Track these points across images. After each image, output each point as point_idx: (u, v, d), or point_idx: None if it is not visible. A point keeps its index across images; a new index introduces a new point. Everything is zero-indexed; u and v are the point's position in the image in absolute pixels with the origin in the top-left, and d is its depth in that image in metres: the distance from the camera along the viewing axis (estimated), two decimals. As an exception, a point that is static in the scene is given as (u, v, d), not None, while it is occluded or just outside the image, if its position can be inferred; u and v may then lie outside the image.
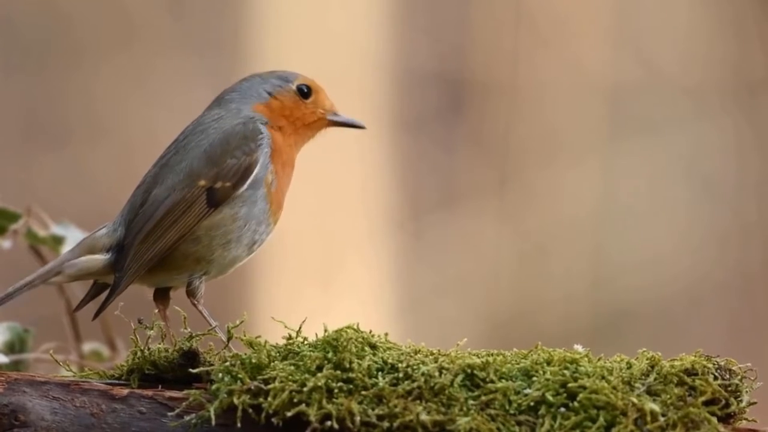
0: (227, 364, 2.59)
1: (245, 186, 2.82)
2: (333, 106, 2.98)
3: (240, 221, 2.82)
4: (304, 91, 2.95)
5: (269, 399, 2.55)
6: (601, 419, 2.54)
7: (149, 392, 2.63)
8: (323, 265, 6.33)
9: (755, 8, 6.65)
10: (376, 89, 6.46)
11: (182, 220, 2.78)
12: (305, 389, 2.55)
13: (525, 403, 2.57)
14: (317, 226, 6.28)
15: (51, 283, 2.83)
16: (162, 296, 2.88)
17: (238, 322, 2.67)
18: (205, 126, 2.88)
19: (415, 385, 2.57)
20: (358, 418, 2.54)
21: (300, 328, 2.65)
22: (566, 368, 2.59)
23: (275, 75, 2.96)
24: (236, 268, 2.90)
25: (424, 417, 2.54)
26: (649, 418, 2.54)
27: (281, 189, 2.87)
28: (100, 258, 2.82)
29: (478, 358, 2.61)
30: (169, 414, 2.61)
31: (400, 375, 2.58)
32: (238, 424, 2.56)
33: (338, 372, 2.57)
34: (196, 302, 2.83)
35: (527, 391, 2.57)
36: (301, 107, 2.93)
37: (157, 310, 2.84)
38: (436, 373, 2.57)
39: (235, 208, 2.81)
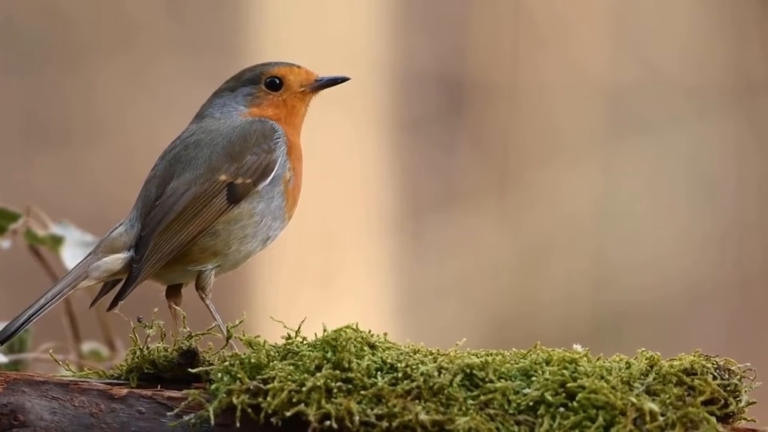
0: (226, 363, 2.59)
1: (266, 182, 2.83)
2: (310, 74, 2.96)
3: (257, 216, 2.83)
4: (276, 83, 2.94)
5: (268, 399, 2.56)
6: (600, 419, 2.54)
7: (148, 392, 2.63)
8: (323, 265, 6.33)
9: (755, 8, 6.65)
10: (376, 90, 6.46)
11: (203, 214, 2.79)
12: (304, 389, 2.55)
13: (524, 402, 2.57)
14: (317, 226, 6.28)
15: (79, 288, 2.83)
16: (174, 293, 2.89)
17: (237, 322, 2.68)
18: (213, 125, 2.89)
19: (414, 384, 2.57)
20: (357, 418, 2.54)
21: (299, 327, 2.65)
22: (565, 368, 2.59)
23: (241, 82, 2.95)
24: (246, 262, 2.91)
25: (423, 417, 2.54)
26: (648, 418, 2.54)
27: (297, 185, 2.89)
28: (123, 256, 2.83)
29: (477, 357, 2.61)
30: (169, 414, 2.61)
31: (399, 375, 2.58)
32: (237, 424, 2.56)
33: (337, 372, 2.57)
34: (204, 296, 2.84)
35: (526, 390, 2.57)
36: (278, 100, 2.94)
37: (159, 309, 2.84)
38: (435, 373, 2.57)
39: (252, 203, 2.83)
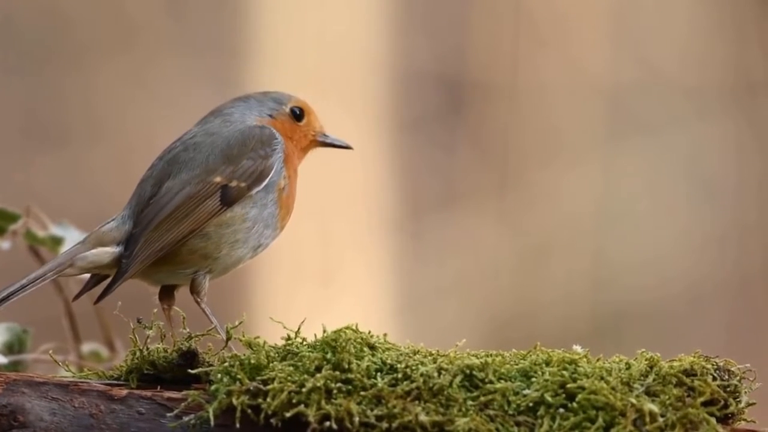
0: (226, 364, 2.59)
1: (260, 188, 2.85)
2: (322, 128, 3.05)
3: (249, 222, 2.85)
4: (297, 114, 3.02)
5: (268, 400, 2.56)
6: (600, 420, 2.54)
7: (148, 393, 2.63)
8: (323, 266, 6.33)
9: (755, 8, 6.65)
10: (376, 90, 6.46)
11: (195, 214, 2.81)
12: (304, 390, 2.55)
13: (524, 403, 2.57)
14: (317, 226, 6.28)
15: (63, 275, 2.85)
16: (167, 296, 2.90)
17: (237, 323, 2.68)
18: (216, 129, 2.92)
19: (414, 385, 2.57)
20: (357, 419, 2.54)
21: (299, 328, 2.65)
22: (565, 369, 2.59)
23: (269, 97, 3.02)
24: (236, 269, 2.91)
25: (422, 417, 2.54)
26: (648, 419, 2.54)
27: (292, 195, 2.91)
28: (111, 251, 2.84)
29: (477, 358, 2.61)
30: (168, 415, 2.61)
31: (399, 375, 2.58)
32: (237, 425, 2.56)
33: (337, 372, 2.57)
34: (199, 300, 2.85)
35: (526, 391, 2.57)
36: (296, 129, 3.00)
37: (158, 310, 2.85)
38: (435, 374, 2.57)
39: (245, 209, 2.85)
